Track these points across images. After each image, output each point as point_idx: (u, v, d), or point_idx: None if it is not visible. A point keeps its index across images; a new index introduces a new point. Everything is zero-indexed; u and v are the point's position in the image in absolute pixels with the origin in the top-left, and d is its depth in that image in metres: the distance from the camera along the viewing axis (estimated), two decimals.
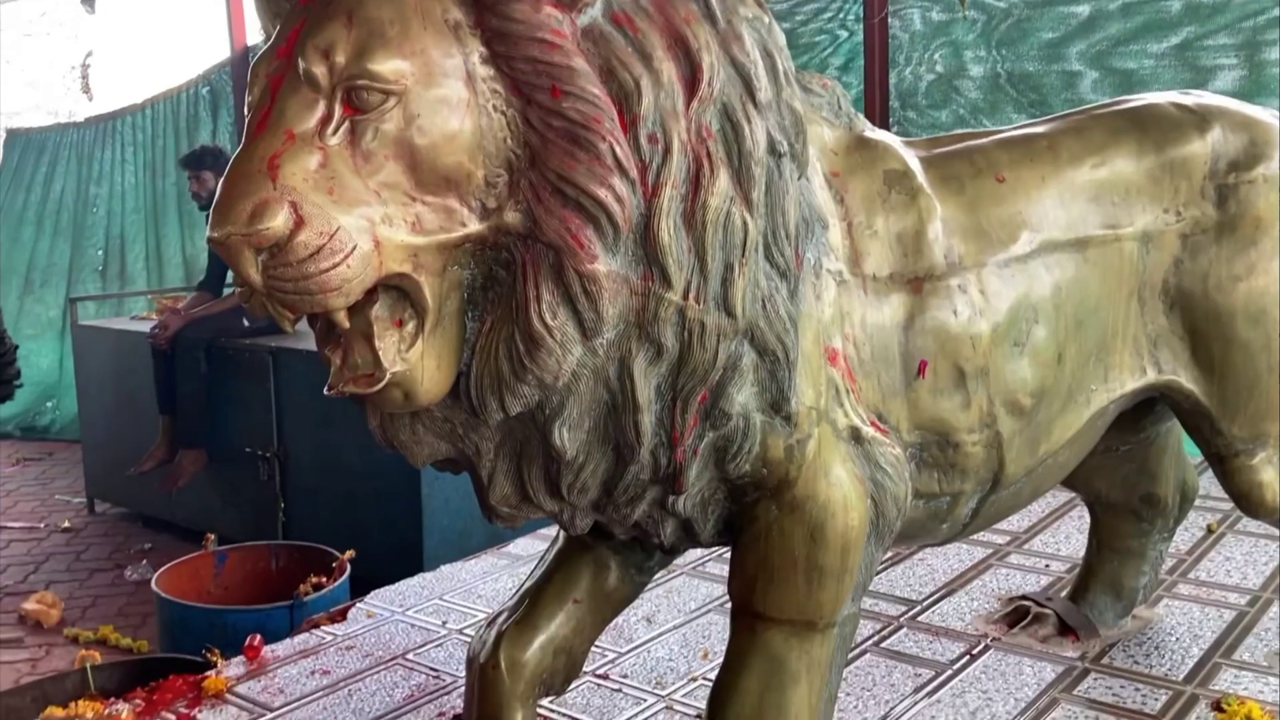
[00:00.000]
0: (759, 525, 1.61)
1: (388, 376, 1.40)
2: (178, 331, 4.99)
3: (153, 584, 3.39)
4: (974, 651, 2.31)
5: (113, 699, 2.04)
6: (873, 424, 1.64)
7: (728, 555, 1.72)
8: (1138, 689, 2.13)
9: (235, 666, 2.33)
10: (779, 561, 1.60)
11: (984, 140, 1.86)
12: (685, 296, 1.43)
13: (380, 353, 1.40)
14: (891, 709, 2.08)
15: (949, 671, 2.23)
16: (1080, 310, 1.82)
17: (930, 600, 2.59)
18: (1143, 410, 2.11)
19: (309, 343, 4.60)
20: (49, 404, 7.93)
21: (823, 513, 1.58)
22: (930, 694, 2.14)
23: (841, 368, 1.61)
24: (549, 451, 1.52)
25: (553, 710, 2.10)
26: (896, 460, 1.65)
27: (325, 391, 1.45)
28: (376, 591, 2.75)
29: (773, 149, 1.47)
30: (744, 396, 1.51)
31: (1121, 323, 1.88)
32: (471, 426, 1.53)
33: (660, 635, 2.44)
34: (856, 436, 1.62)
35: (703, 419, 1.51)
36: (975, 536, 2.88)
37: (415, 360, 1.42)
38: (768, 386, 1.53)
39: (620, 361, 1.45)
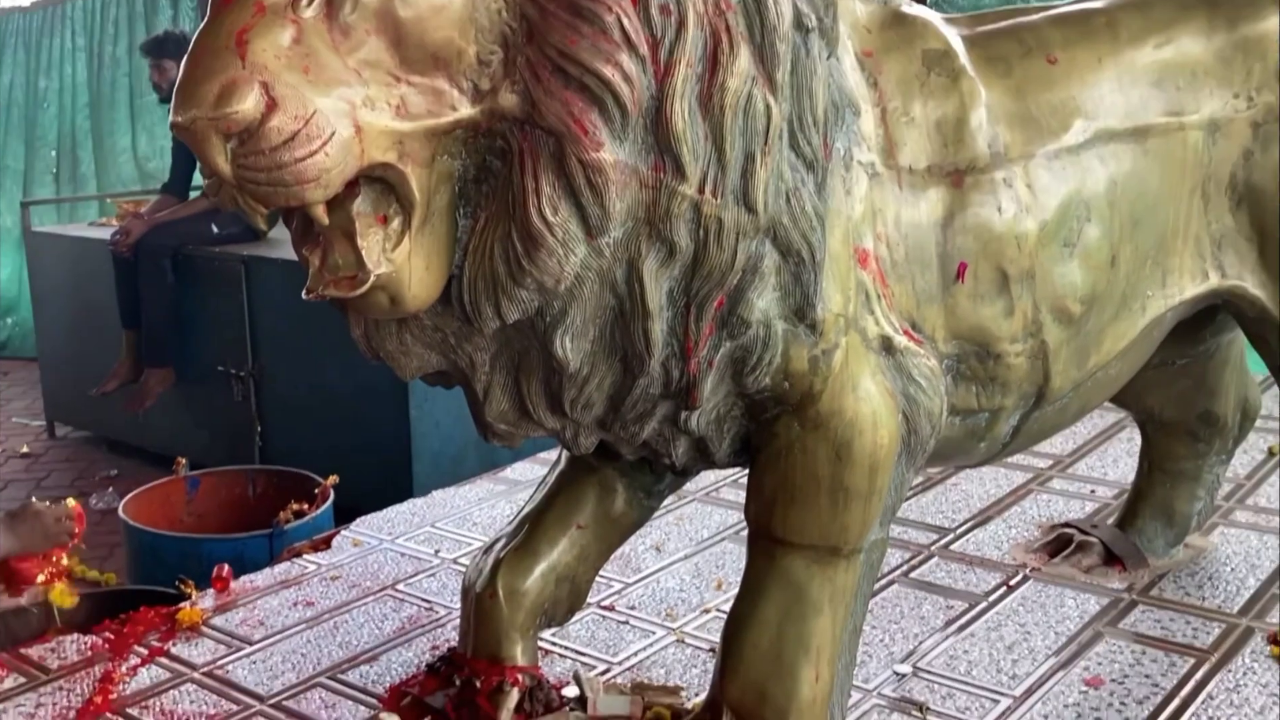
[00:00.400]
0: (779, 443, 1.60)
1: (371, 278, 1.39)
2: (141, 238, 4.96)
3: (120, 512, 3.42)
4: (1011, 582, 2.33)
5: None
6: (905, 333, 1.63)
7: (744, 480, 1.72)
8: (1188, 622, 2.15)
9: (211, 598, 2.35)
10: (801, 482, 1.60)
11: (1034, 17, 1.81)
12: (701, 190, 1.41)
13: (363, 252, 1.38)
14: (920, 643, 2.10)
15: (983, 604, 2.25)
16: (1137, 207, 1.79)
17: (964, 528, 2.60)
18: (1203, 319, 2.09)
19: (285, 250, 4.58)
20: (8, 320, 7.92)
21: (849, 430, 1.58)
22: (963, 628, 2.15)
23: (873, 270, 1.59)
24: (550, 363, 1.51)
25: (554, 643, 2.11)
26: (931, 372, 1.64)
27: (303, 295, 1.43)
28: (363, 518, 2.76)
29: (799, 23, 1.43)
30: (765, 302, 1.50)
31: (1183, 221, 1.86)
32: (465, 336, 1.52)
33: (670, 565, 2.46)
34: (888, 346, 1.61)
35: (719, 327, 1.50)
36: (1014, 459, 2.88)
37: (402, 261, 1.40)
38: (791, 291, 1.51)
39: (628, 263, 1.43)
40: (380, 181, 1.38)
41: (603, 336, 1.49)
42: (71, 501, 2.23)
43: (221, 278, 4.74)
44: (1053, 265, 1.71)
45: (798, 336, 1.53)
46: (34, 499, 2.26)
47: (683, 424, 1.59)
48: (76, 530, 2.19)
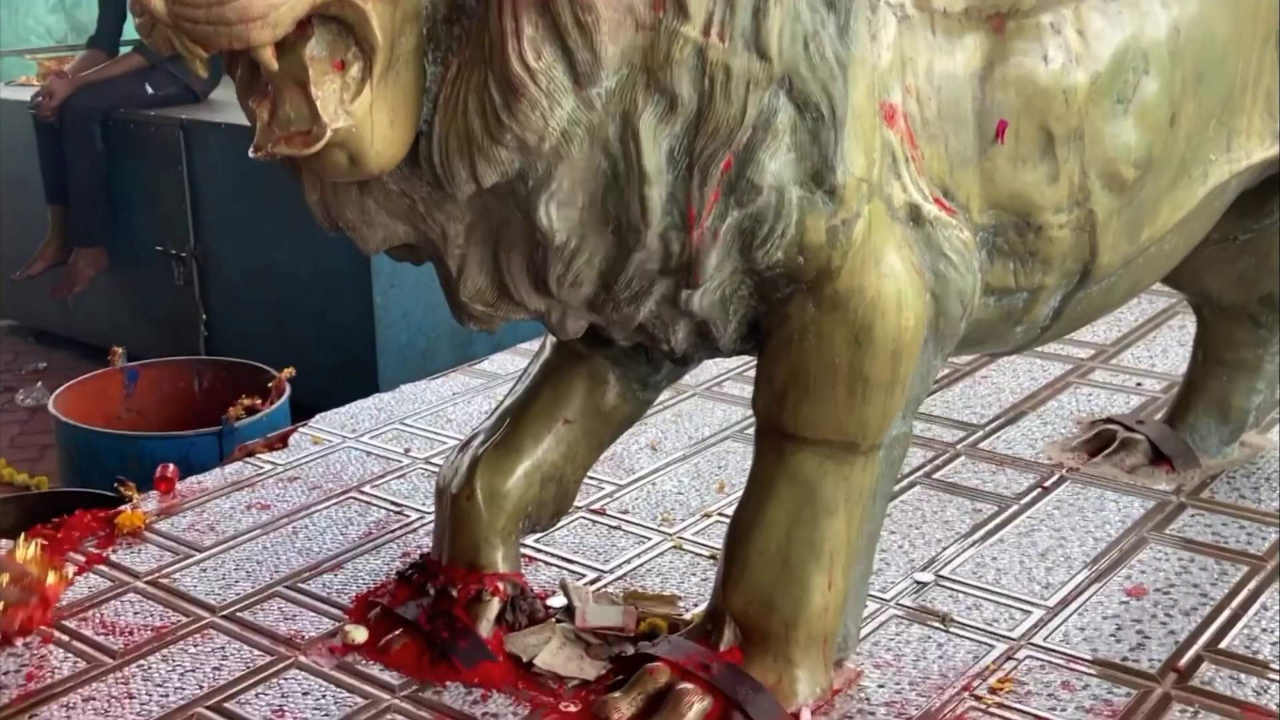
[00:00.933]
0: (792, 326, 1.60)
1: (328, 134, 1.37)
2: (66, 100, 4.89)
3: (50, 407, 3.42)
4: (1046, 484, 2.34)
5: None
6: (936, 201, 1.61)
7: (751, 372, 1.72)
8: (1242, 526, 2.17)
9: (154, 501, 2.36)
10: (816, 370, 1.60)
11: None
12: (706, 32, 1.38)
13: (318, 103, 1.36)
14: (944, 549, 2.12)
15: (1015, 507, 2.26)
16: (1202, 59, 1.76)
17: (995, 424, 2.61)
18: (1271, 189, 2.07)
19: (230, 114, 4.54)
20: None
21: (871, 311, 1.57)
22: (991, 533, 2.17)
23: (900, 129, 1.57)
24: (533, 235, 1.50)
25: (539, 549, 2.13)
26: (964, 246, 1.62)
27: (250, 154, 1.41)
28: (323, 415, 2.77)
29: None
30: (778, 164, 1.48)
31: (1253, 76, 1.83)
32: (436, 202, 1.51)
33: (667, 466, 2.47)
34: (916, 216, 1.59)
35: (726, 193, 1.48)
36: (1052, 348, 2.89)
37: (362, 113, 1.38)
38: (808, 151, 1.49)
39: (623, 118, 1.41)
40: (337, 21, 1.35)
41: (593, 204, 1.48)
42: (50, 577, 1.89)
43: (157, 145, 4.69)
44: (1104, 124, 1.69)
45: (814, 204, 1.52)
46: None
47: (683, 305, 1.59)
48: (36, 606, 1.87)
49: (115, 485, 2.43)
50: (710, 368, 2.84)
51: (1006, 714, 1.69)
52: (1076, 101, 1.66)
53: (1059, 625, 1.90)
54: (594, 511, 2.28)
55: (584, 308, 1.61)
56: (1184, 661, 1.80)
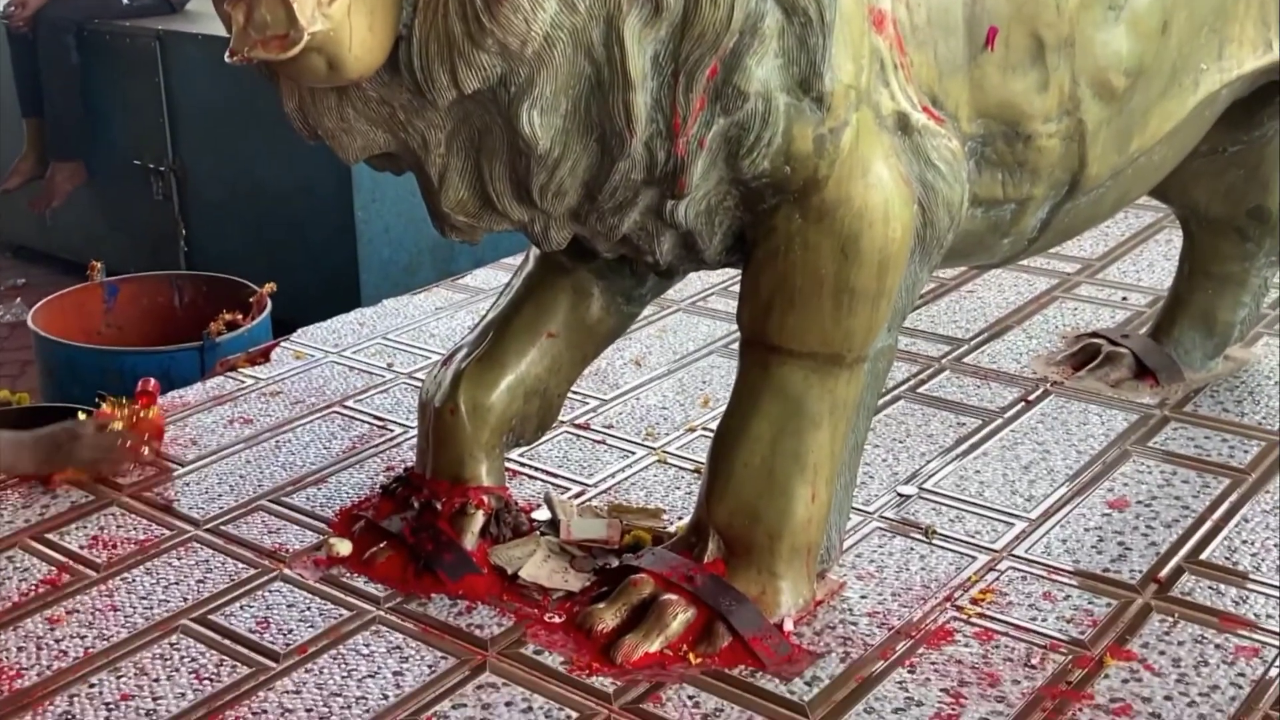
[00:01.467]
0: (778, 237, 1.59)
1: (305, 37, 1.34)
2: (39, 10, 4.79)
3: (29, 322, 3.39)
4: (1030, 398, 2.35)
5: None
6: (925, 109, 1.59)
7: (736, 287, 1.70)
8: (1225, 440, 2.18)
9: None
10: (801, 282, 1.60)
11: None
12: None
13: (295, 6, 1.33)
14: (927, 462, 2.13)
15: (999, 421, 2.27)
16: None
17: (980, 338, 2.62)
18: (1262, 99, 2.05)
19: (208, 25, 4.46)
20: None
21: (858, 221, 1.56)
22: (974, 446, 2.18)
23: (889, 35, 1.55)
24: (516, 143, 1.47)
25: (523, 463, 2.13)
26: (952, 156, 1.61)
27: (226, 58, 1.38)
28: (305, 329, 2.75)
29: None
30: (765, 71, 1.46)
31: None
32: (416, 110, 1.48)
33: (652, 381, 2.47)
34: (904, 125, 1.57)
35: (712, 100, 1.46)
36: (1038, 262, 2.88)
37: (340, 17, 1.35)
38: (795, 58, 1.47)
39: (607, 21, 1.39)
40: None
41: (577, 111, 1.46)
42: (151, 411, 2.14)
43: (134, 56, 4.60)
44: (1095, 31, 1.67)
45: (802, 112, 1.50)
46: (79, 415, 2.18)
47: (668, 216, 1.57)
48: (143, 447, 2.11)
49: (96, 400, 2.41)
50: (695, 282, 2.84)
51: (988, 624, 1.71)
52: (1068, 8, 1.64)
53: (1041, 537, 1.91)
54: (578, 426, 2.28)
55: (568, 218, 1.59)
56: (1164, 572, 1.82)
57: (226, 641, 1.70)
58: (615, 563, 1.80)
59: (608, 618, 1.66)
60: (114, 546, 1.92)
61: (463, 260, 3.97)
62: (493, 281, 2.99)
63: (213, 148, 4.47)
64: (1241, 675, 1.60)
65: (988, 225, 1.74)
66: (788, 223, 1.57)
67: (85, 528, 1.98)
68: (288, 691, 1.60)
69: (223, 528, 1.98)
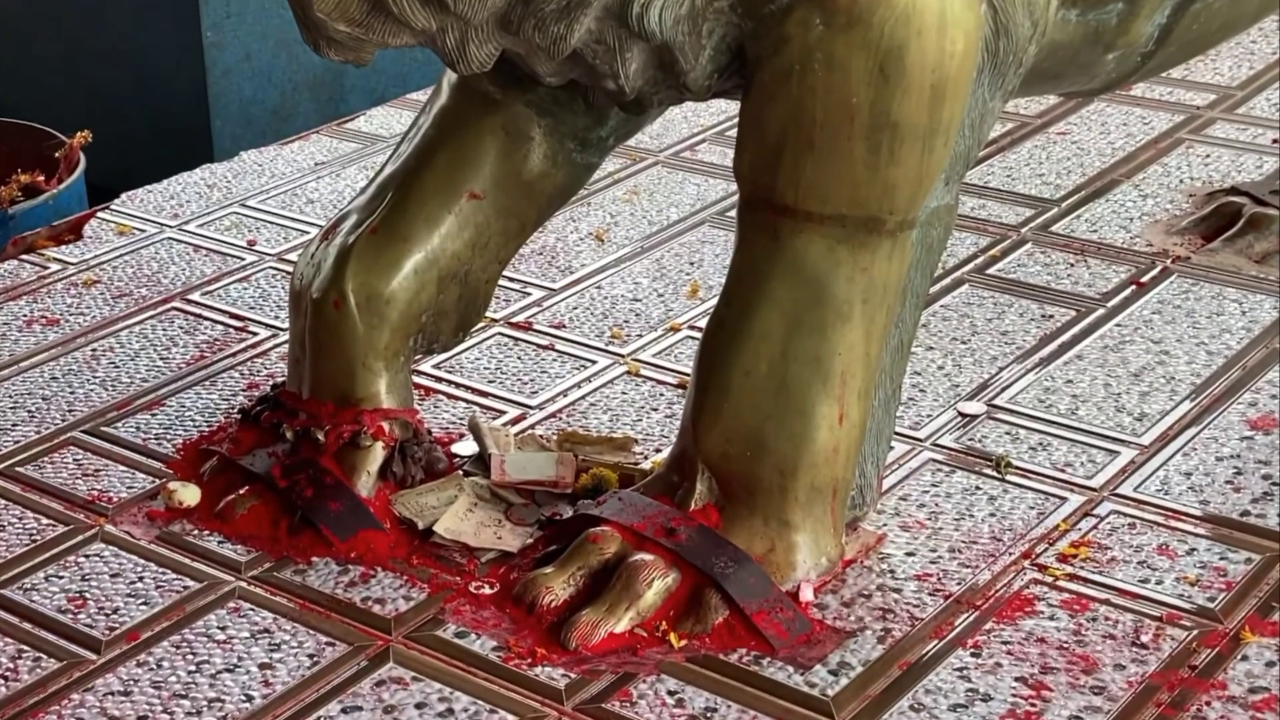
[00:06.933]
0: (791, 53, 1.58)
1: None
2: None
3: None
4: (1143, 279, 2.36)
5: None
6: None
7: (735, 131, 1.70)
8: None
9: None
10: (824, 115, 1.59)
11: None
12: None
13: None
14: (1000, 370, 2.14)
15: (1099, 311, 2.28)
16: None
17: (1075, 198, 2.62)
18: None
19: None
20: None
21: (902, 27, 1.56)
22: (1066, 347, 2.19)
23: None
24: None
25: (439, 376, 2.14)
26: None
27: None
28: (132, 194, 2.74)
29: None
30: None
31: None
32: None
33: (619, 262, 2.47)
34: None
35: None
36: (1155, 90, 2.88)
37: None
38: None
39: None
40: None
41: None
42: None
43: None
44: None
45: None
46: None
47: (634, 22, 1.57)
48: None
49: None
50: (679, 124, 2.83)
51: (1081, 588, 1.72)
52: None
53: (1156, 470, 1.92)
54: (516, 325, 2.28)
55: (494, 27, 1.58)
56: None
57: (27, 626, 1.70)
58: (568, 512, 1.80)
59: (557, 587, 1.67)
60: None
61: (355, 98, 3.96)
62: (395, 126, 2.97)
63: None
64: None
65: (1085, 33, 1.74)
66: (804, 31, 1.57)
67: None
68: (112, 693, 1.60)
69: (19, 469, 1.97)
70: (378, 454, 1.84)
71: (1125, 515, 1.84)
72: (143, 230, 2.62)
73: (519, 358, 2.20)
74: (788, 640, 1.63)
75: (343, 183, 2.77)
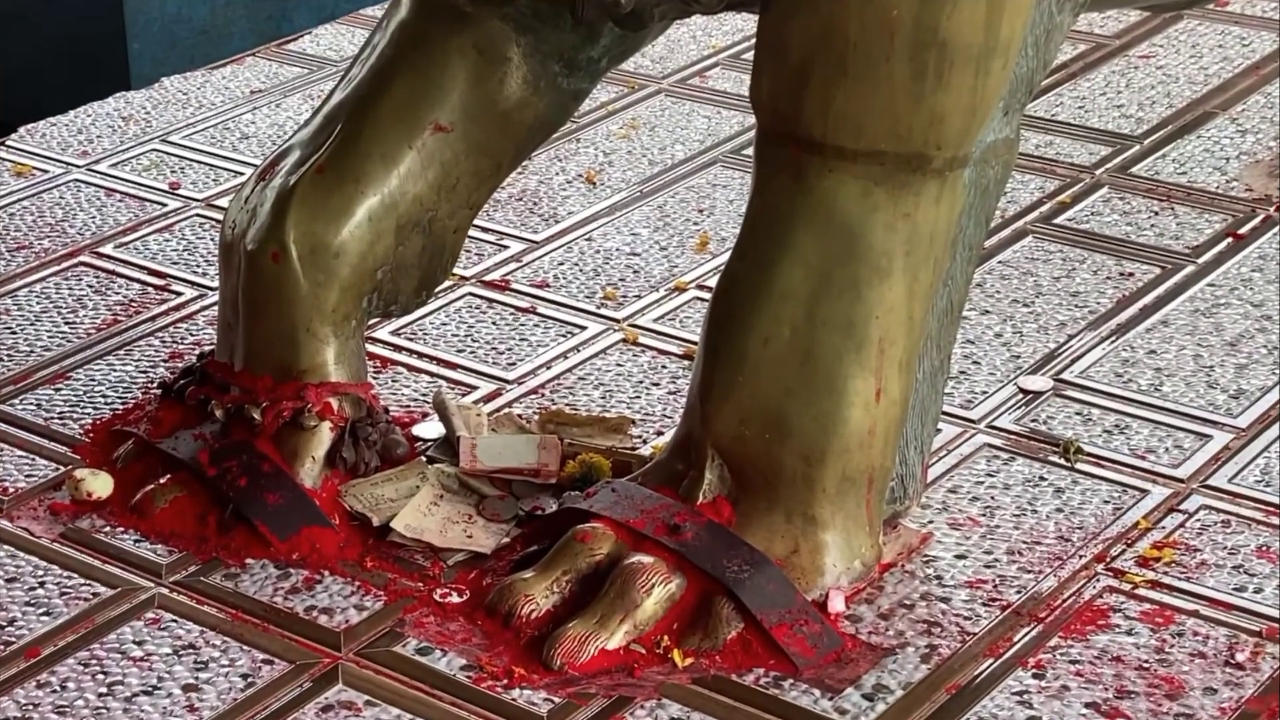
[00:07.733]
0: None
1: None
2: None
3: None
4: (1241, 231, 2.36)
5: None
6: None
7: (751, 55, 1.69)
8: None
9: None
10: (858, 32, 1.59)
11: None
12: None
13: None
14: (1069, 340, 2.14)
15: (1189, 268, 2.29)
16: None
17: (1160, 135, 2.63)
18: None
19: None
20: None
21: None
22: (1148, 311, 2.20)
23: None
24: None
25: (399, 345, 2.15)
26: None
27: None
28: (32, 126, 2.76)
29: None
30: None
31: None
32: None
33: (614, 210, 2.48)
34: None
35: None
36: (1259, 5, 2.86)
37: None
38: None
39: None
40: None
41: None
42: None
43: None
44: None
45: None
46: None
47: None
48: None
49: None
50: (685, 45, 2.84)
51: (1164, 598, 1.72)
52: None
53: (1254, 458, 1.92)
54: (490, 284, 2.29)
55: None
56: None
57: None
58: (552, 507, 1.81)
59: (539, 595, 1.67)
60: None
61: (299, 15, 3.97)
62: (345, 48, 2.99)
63: None
64: None
65: None
66: None
67: None
68: (7, 719, 1.60)
69: None
70: (324, 436, 1.85)
71: (1218, 511, 1.84)
72: (45, 171, 2.63)
73: (493, 323, 2.21)
74: (814, 659, 1.64)
75: (283, 114, 2.79)
